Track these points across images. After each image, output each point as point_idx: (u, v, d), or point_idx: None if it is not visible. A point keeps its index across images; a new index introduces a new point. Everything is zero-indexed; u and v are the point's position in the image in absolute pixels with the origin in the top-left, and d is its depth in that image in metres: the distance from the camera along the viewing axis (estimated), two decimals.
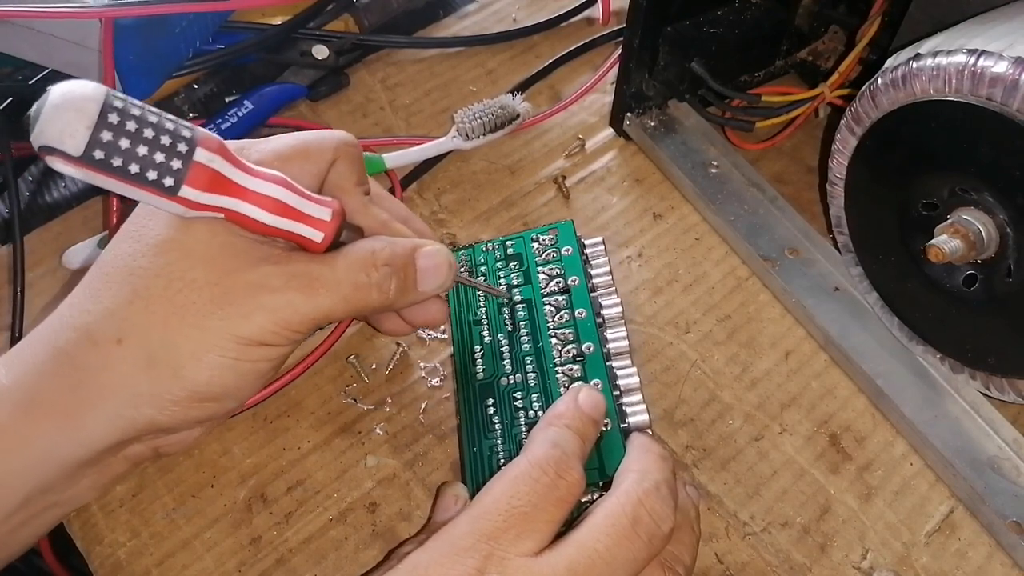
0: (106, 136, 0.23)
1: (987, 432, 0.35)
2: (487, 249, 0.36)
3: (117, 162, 0.23)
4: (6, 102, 0.43)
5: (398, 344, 0.38)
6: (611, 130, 0.47)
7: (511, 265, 0.35)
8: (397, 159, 0.44)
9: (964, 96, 0.30)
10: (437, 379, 0.38)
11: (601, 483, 0.28)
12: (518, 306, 0.34)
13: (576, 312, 0.33)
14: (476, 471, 0.31)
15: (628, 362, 0.32)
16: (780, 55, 0.47)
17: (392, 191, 0.43)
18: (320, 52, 0.48)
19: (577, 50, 0.51)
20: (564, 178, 0.45)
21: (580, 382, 0.31)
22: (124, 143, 0.23)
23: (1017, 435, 0.35)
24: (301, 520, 0.34)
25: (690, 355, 0.39)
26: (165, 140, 0.24)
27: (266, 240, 0.27)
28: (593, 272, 0.34)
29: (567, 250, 0.35)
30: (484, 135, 0.45)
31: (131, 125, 0.23)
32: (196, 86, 0.49)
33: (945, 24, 0.33)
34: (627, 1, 0.41)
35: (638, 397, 0.30)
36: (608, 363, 0.31)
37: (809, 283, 0.40)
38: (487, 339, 0.34)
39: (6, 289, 0.39)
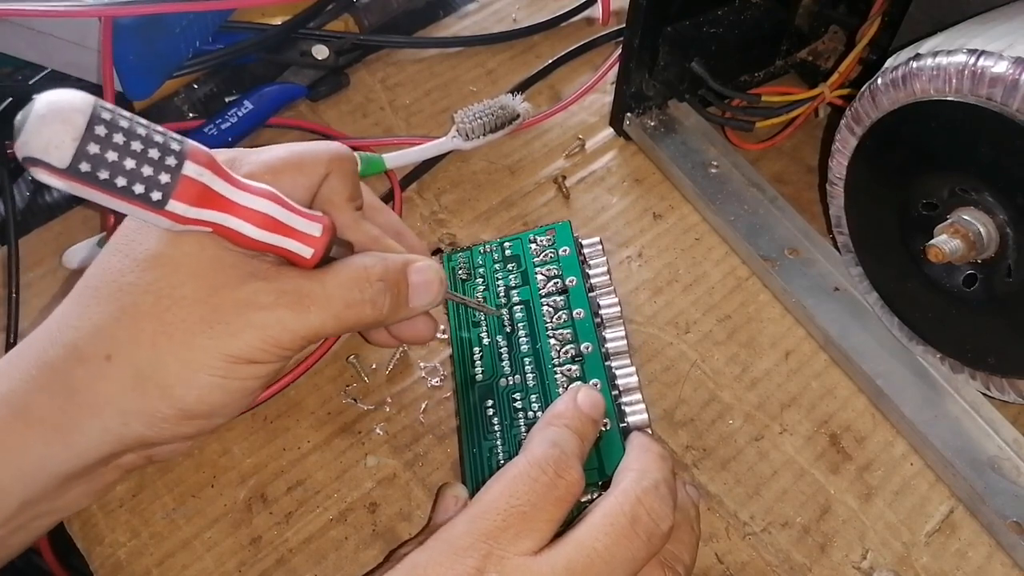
0: (93, 148, 0.22)
1: (987, 432, 0.35)
2: (485, 251, 0.36)
3: (104, 175, 0.22)
4: (5, 102, 0.43)
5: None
6: (611, 130, 0.47)
7: (509, 267, 0.35)
8: (397, 159, 0.44)
9: (964, 96, 0.30)
10: (437, 379, 0.38)
11: (600, 483, 0.28)
12: (516, 307, 0.34)
13: (574, 312, 0.33)
14: (476, 472, 0.31)
15: (627, 362, 0.31)
16: (780, 55, 0.47)
17: (392, 191, 0.43)
18: (320, 52, 0.48)
19: (577, 50, 0.51)
20: (564, 178, 0.45)
21: (579, 382, 0.31)
22: (112, 156, 0.22)
23: (1017, 435, 0.35)
24: (301, 520, 0.34)
25: (690, 355, 0.39)
26: (154, 153, 0.23)
27: (256, 254, 0.27)
28: (591, 272, 0.34)
29: (564, 250, 0.35)
30: (484, 135, 0.45)
31: (119, 137, 0.22)
32: (196, 86, 0.49)
33: (945, 24, 0.33)
34: (627, 1, 0.41)
35: (637, 396, 0.30)
36: (607, 363, 0.31)
37: (809, 283, 0.40)
38: (486, 340, 0.34)
39: (2, 291, 0.39)
